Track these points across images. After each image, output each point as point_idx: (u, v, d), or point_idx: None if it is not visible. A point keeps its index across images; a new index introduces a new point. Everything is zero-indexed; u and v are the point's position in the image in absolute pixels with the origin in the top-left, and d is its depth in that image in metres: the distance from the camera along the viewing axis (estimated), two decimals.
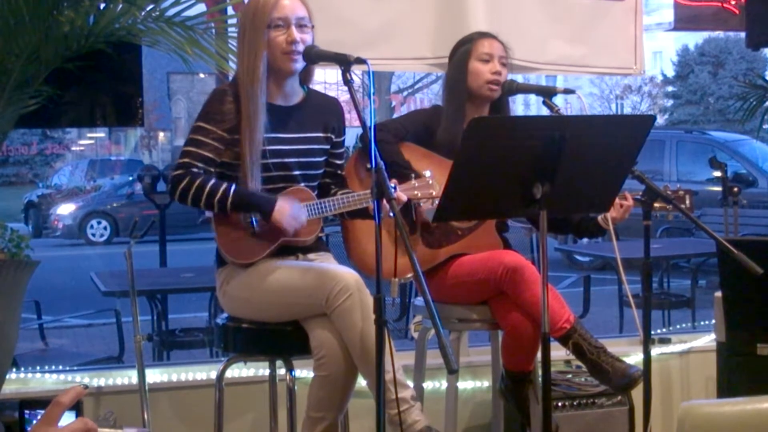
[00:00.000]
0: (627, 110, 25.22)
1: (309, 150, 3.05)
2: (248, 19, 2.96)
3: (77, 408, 1.42)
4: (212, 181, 2.89)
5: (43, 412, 1.39)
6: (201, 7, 3.51)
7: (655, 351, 4.10)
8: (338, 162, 3.18)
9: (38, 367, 3.79)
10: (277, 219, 2.89)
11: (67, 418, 1.40)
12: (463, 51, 3.38)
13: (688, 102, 24.17)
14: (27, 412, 1.48)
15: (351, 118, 3.35)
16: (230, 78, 3.16)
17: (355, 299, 2.79)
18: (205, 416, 3.36)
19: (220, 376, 3.08)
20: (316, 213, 2.98)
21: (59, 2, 3.22)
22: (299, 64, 2.96)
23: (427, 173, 3.00)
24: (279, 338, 2.97)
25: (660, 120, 23.17)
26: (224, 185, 2.89)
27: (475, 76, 3.34)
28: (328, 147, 3.11)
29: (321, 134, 3.08)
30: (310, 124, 3.06)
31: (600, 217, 3.31)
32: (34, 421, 1.42)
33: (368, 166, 2.86)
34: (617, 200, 3.20)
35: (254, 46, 2.92)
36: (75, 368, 3.98)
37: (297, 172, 3.02)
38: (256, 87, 2.91)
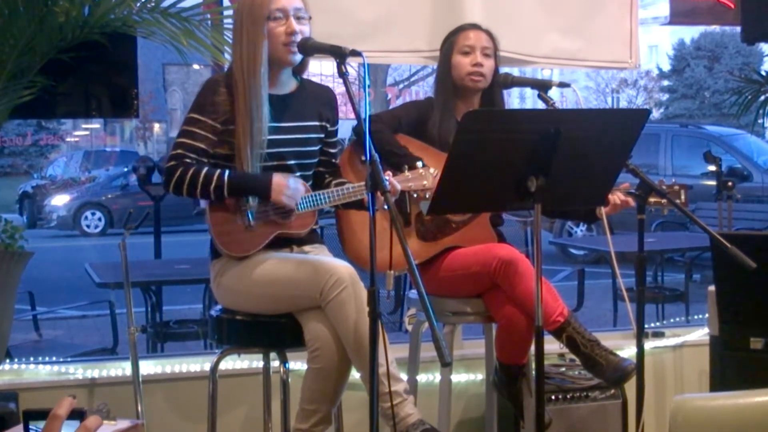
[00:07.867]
0: (623, 104, 25.25)
1: (304, 139, 3.04)
2: (246, 10, 2.94)
3: (80, 417, 1.43)
4: (205, 170, 2.88)
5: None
6: None
7: (649, 345, 4.12)
8: (332, 150, 3.18)
9: (32, 359, 3.78)
10: (276, 199, 2.90)
11: (70, 427, 1.40)
12: (448, 44, 3.40)
13: (684, 96, 24.21)
14: (31, 425, 1.48)
15: (346, 111, 3.34)
16: (225, 69, 3.15)
17: (349, 292, 2.79)
18: (198, 408, 3.35)
19: (214, 368, 3.08)
20: (311, 205, 2.97)
21: None
22: (298, 56, 2.96)
23: (419, 163, 3.00)
24: (273, 330, 2.97)
25: (655, 114, 23.22)
26: (218, 172, 2.88)
27: (457, 69, 3.34)
28: (322, 136, 3.11)
29: (316, 123, 3.08)
30: (305, 113, 3.05)
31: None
32: None
33: (363, 158, 2.85)
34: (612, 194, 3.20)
35: (254, 38, 2.90)
36: (69, 359, 3.97)
37: (292, 162, 3.01)
38: (258, 79, 2.90)
